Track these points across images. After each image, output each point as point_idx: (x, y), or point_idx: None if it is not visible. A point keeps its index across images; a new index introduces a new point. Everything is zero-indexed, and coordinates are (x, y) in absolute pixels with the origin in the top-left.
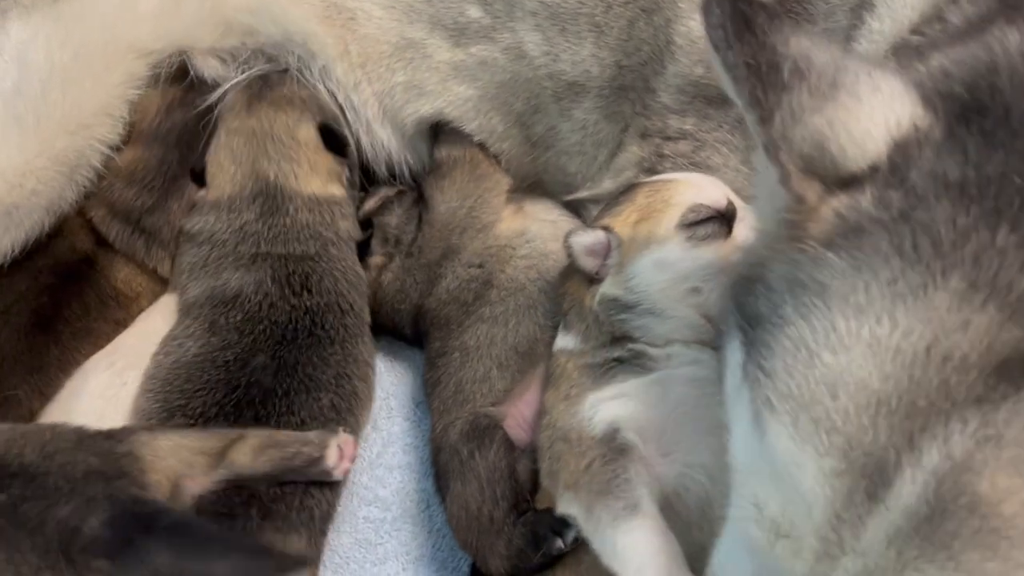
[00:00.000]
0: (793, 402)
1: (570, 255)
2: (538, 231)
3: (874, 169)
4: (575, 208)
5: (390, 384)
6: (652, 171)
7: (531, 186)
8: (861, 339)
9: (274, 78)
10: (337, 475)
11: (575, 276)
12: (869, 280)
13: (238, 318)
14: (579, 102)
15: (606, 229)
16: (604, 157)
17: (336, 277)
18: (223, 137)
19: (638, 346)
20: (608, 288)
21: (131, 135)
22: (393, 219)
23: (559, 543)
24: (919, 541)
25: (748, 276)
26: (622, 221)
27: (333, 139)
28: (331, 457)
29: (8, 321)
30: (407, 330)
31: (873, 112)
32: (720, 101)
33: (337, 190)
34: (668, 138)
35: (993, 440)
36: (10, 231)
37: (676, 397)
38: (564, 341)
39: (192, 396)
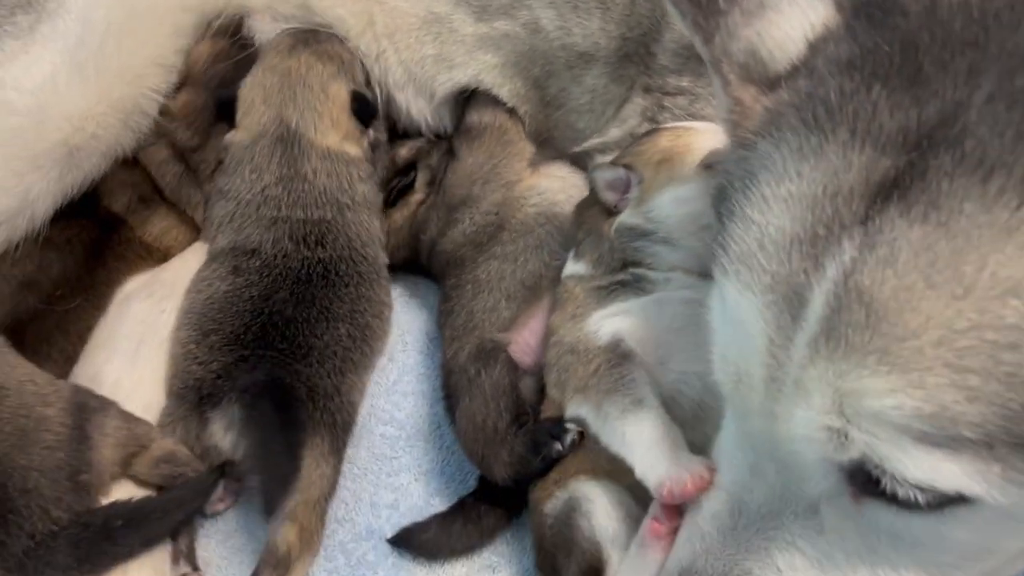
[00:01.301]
0: (737, 261)
1: (593, 188)
2: (548, 185)
3: (794, 68)
4: (581, 161)
5: (406, 322)
6: (654, 120)
7: (543, 141)
8: (779, 197)
9: (323, 33)
10: (209, 510)
11: (595, 207)
12: (784, 151)
13: (256, 264)
14: (589, 69)
15: (628, 167)
16: (611, 112)
17: (350, 236)
18: (259, 73)
19: (641, 271)
20: (627, 218)
21: (183, 81)
22: (433, 161)
23: (557, 446)
24: (826, 338)
25: (720, 186)
26: (645, 160)
27: (363, 107)
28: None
29: (72, 250)
30: (424, 260)
31: (792, 20)
32: None
33: (352, 149)
34: (667, 93)
35: (870, 246)
36: (72, 171)
37: (672, 314)
38: (575, 268)
39: (223, 322)
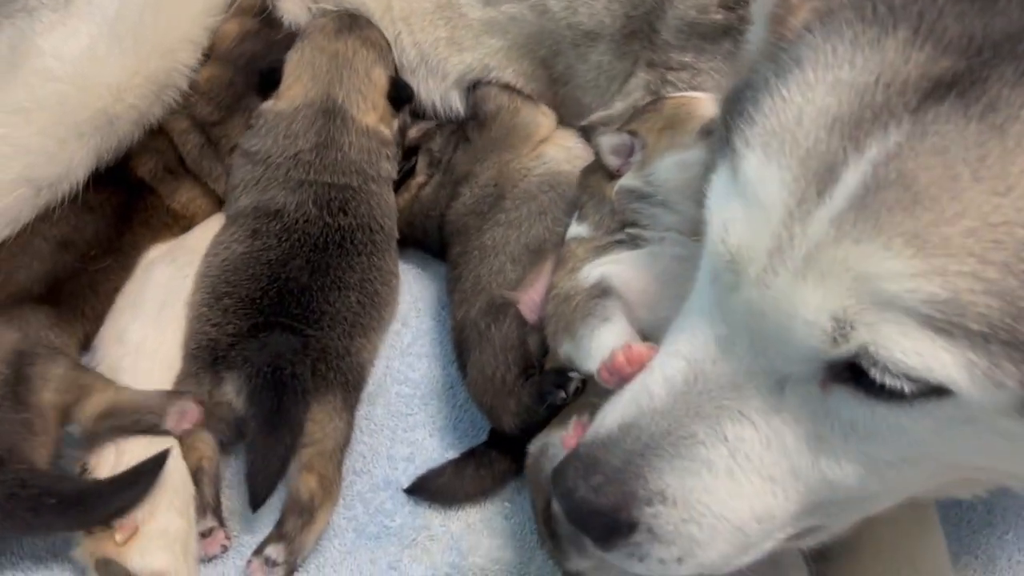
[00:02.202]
0: (766, 135)
1: (597, 153)
2: (554, 154)
3: None
4: (585, 133)
5: (418, 290)
6: (657, 94)
7: None
8: (826, 82)
9: (362, 19)
10: (175, 433)
11: (598, 172)
12: (836, 42)
13: (276, 227)
14: (594, 47)
15: (632, 133)
16: (616, 87)
17: (371, 205)
18: (307, 52)
19: (637, 230)
20: (628, 181)
21: (209, 56)
22: (436, 144)
23: (561, 394)
24: (853, 215)
25: (737, 88)
26: (648, 127)
27: (399, 93)
28: (169, 422)
29: (104, 212)
30: (434, 236)
31: None
32: (713, 37)
33: (385, 130)
34: (671, 68)
35: (920, 134)
36: (109, 139)
37: (661, 266)
38: (578, 230)
39: (238, 285)
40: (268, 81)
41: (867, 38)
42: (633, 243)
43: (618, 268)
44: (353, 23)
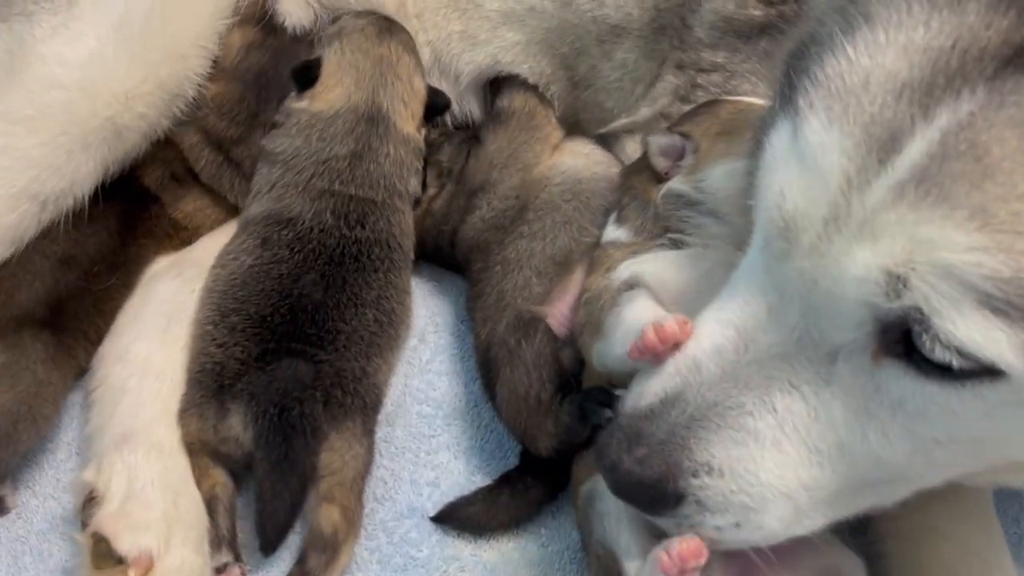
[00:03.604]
0: (830, 97)
1: (646, 152)
2: (572, 163)
3: None
4: (606, 142)
5: (435, 305)
6: (686, 99)
7: (570, 124)
8: (897, 43)
9: (397, 23)
10: None
11: (644, 173)
12: (911, 2)
13: (288, 236)
14: (620, 43)
15: (684, 135)
16: (641, 90)
17: (391, 222)
18: (348, 53)
19: (678, 236)
20: (676, 185)
21: (216, 71)
22: (444, 156)
23: (607, 412)
24: (916, 185)
25: (802, 41)
26: (703, 131)
27: (437, 103)
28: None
29: (107, 225)
30: (447, 252)
31: None
32: (748, 35)
33: (420, 138)
34: (702, 70)
35: (995, 104)
36: (116, 150)
37: (700, 269)
38: (616, 233)
39: (246, 301)
40: (302, 79)
41: (946, 0)
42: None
43: (653, 267)
44: (392, 26)
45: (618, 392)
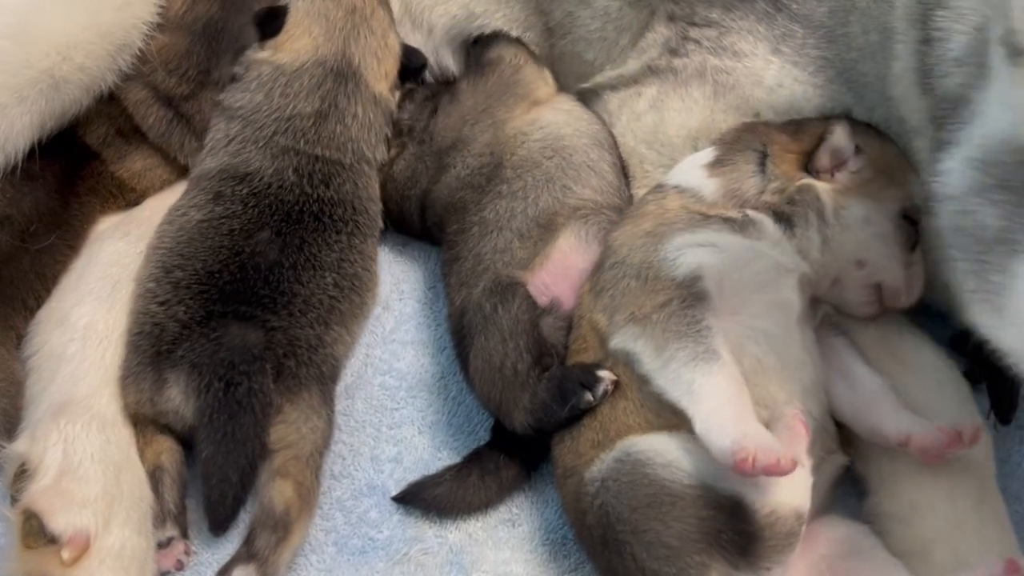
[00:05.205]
0: None
1: (822, 134)
2: (553, 118)
3: None
4: (586, 99)
5: (400, 271)
6: (676, 53)
7: None
8: None
9: None
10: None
11: (795, 147)
12: None
13: (243, 192)
14: None
15: (859, 150)
16: (627, 40)
17: (358, 185)
18: (318, 1)
19: (764, 218)
20: (822, 190)
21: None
22: (405, 113)
23: (588, 396)
24: None
25: None
26: (873, 157)
27: (412, 63)
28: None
29: (44, 182)
30: (415, 218)
31: None
32: None
33: (392, 99)
34: (694, 24)
35: None
36: (54, 104)
37: (762, 267)
38: (695, 179)
39: (192, 257)
40: (266, 28)
41: None
42: (740, 229)
43: (713, 261)
44: None
45: (602, 373)
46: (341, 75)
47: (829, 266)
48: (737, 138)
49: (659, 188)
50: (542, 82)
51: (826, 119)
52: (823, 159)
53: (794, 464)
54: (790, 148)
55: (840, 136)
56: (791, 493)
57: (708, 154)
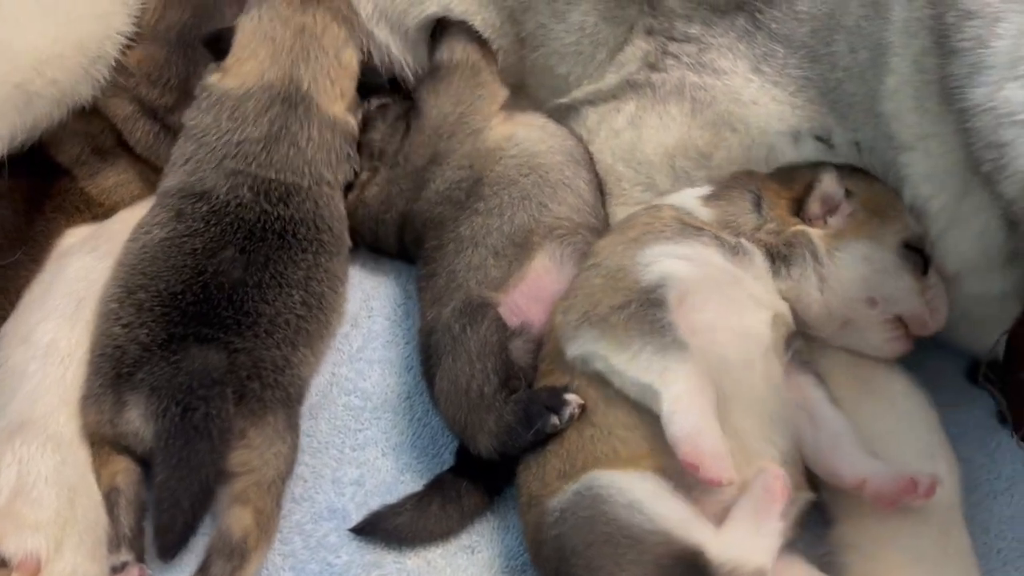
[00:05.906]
0: None
1: (811, 182)
2: (526, 135)
3: None
4: (562, 115)
5: (371, 287)
6: (655, 68)
7: (515, 90)
8: None
9: None
10: None
11: (787, 194)
12: None
13: (203, 209)
14: (576, 4)
15: (849, 193)
16: (604, 55)
17: (319, 204)
18: (265, 21)
19: (744, 243)
20: (813, 235)
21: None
22: (377, 135)
23: (554, 420)
24: None
25: None
26: (864, 199)
27: (371, 80)
28: None
29: (11, 197)
30: (391, 240)
31: None
32: (724, 11)
33: (352, 121)
34: (673, 39)
35: None
36: (25, 119)
37: (735, 295)
38: (690, 204)
39: (155, 277)
40: (214, 50)
41: None
42: (729, 252)
43: (683, 274)
44: None
45: (569, 397)
46: (289, 99)
47: (834, 307)
48: (733, 182)
49: (655, 206)
50: (493, 79)
51: (814, 166)
52: (814, 207)
53: (731, 483)
54: (782, 195)
55: (829, 183)
56: (756, 551)
57: (704, 189)
